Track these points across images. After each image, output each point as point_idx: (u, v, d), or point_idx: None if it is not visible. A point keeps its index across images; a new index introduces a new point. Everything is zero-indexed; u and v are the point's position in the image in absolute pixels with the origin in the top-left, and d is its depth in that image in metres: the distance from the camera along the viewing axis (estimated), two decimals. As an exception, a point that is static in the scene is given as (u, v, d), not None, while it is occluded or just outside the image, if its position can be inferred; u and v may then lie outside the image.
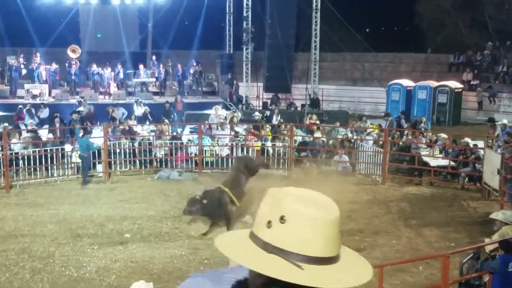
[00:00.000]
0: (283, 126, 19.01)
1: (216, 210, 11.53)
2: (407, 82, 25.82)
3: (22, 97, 23.11)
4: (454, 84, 25.39)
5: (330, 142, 18.23)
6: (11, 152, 15.37)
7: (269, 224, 1.48)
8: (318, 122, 20.32)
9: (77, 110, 20.11)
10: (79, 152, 15.66)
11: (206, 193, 11.58)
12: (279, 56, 25.07)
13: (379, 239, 10.88)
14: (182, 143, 17.52)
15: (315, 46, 26.21)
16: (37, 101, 22.11)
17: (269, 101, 25.96)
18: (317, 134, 18.17)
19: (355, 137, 18.16)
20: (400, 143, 17.32)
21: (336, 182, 15.02)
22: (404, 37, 33.62)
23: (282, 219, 1.46)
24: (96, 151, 16.21)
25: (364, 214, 12.30)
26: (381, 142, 16.63)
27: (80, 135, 16.14)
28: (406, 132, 18.24)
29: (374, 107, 27.11)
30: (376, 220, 11.96)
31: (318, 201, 1.52)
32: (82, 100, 21.88)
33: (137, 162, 17.04)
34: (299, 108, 25.02)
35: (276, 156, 17.27)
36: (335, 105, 27.17)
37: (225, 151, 17.50)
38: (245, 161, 12.39)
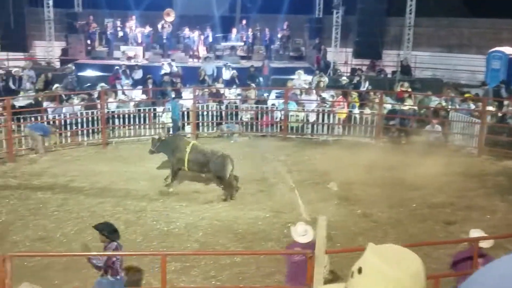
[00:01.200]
0: (372, 93, 18.48)
1: (170, 154, 12.16)
2: (509, 50, 24.07)
3: (118, 59, 23.99)
4: None
5: (422, 111, 17.56)
6: (107, 110, 16.09)
7: (352, 274, 1.61)
8: (409, 90, 19.58)
9: (167, 72, 20.63)
10: (170, 114, 16.14)
11: (173, 136, 12.85)
12: (371, 20, 24.28)
13: (471, 213, 10.45)
14: (267, 108, 17.57)
15: (410, 10, 25.10)
16: (132, 62, 22.87)
17: (358, 67, 25.29)
18: (408, 102, 17.54)
19: (450, 107, 17.32)
20: (499, 114, 16.36)
21: (427, 153, 14.50)
22: (507, 1, 31.32)
23: (360, 270, 1.58)
24: (186, 113, 16.64)
25: (457, 187, 11.83)
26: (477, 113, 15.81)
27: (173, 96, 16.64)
28: (506, 102, 17.16)
29: (471, 75, 25.62)
30: (470, 194, 11.47)
31: (398, 257, 1.60)
32: (171, 61, 22.40)
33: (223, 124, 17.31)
34: (389, 75, 24.26)
35: (363, 123, 16.92)
36: (428, 73, 26.01)
37: (312, 117, 17.38)
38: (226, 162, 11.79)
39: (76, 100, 16.74)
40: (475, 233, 6.37)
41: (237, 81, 20.99)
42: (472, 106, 16.91)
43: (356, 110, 17.51)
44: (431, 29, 27.49)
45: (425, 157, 13.33)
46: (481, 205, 10.80)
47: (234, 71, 21.80)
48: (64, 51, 25.43)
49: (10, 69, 22.26)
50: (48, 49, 25.34)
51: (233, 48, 25.72)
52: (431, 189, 11.87)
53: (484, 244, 6.13)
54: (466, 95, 18.49)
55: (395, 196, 11.77)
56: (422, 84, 21.56)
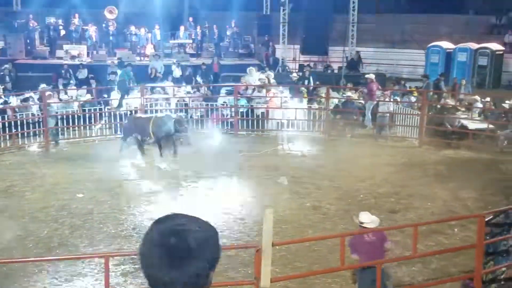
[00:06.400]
0: (320, 89, 18.76)
1: None
2: (446, 44, 25.16)
3: (61, 58, 23.42)
4: (496, 46, 24.63)
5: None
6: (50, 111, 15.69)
7: None
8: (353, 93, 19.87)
9: (114, 71, 20.30)
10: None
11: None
12: (317, 17, 24.60)
13: (414, 202, 10.78)
14: (216, 105, 17.60)
15: (353, 7, 25.60)
16: (76, 62, 22.37)
17: (307, 64, 25.57)
18: (353, 96, 17.96)
19: (392, 100, 17.86)
20: (438, 106, 16.98)
21: (372, 145, 14.85)
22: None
23: None
24: (133, 112, 16.47)
25: (400, 176, 12.18)
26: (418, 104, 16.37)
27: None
28: (444, 94, 17.85)
29: (412, 70, 26.46)
30: (412, 183, 11.82)
31: None
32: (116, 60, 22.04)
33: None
34: (336, 71, 24.69)
35: (311, 118, 17.18)
36: (372, 68, 26.60)
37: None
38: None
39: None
40: (363, 215, 7.29)
41: (193, 78, 20.87)
42: (413, 99, 17.55)
43: (304, 105, 17.76)
44: (374, 25, 28.14)
45: (370, 149, 13.66)
46: (422, 193, 11.14)
47: (190, 68, 21.69)
48: (3, 51, 24.57)
49: None
50: (-14, 49, 24.43)
51: (181, 45, 25.56)
52: (377, 179, 12.17)
53: (369, 225, 7.10)
54: (412, 88, 19.11)
55: (343, 188, 12.01)
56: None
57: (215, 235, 1.84)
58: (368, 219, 7.16)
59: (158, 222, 1.83)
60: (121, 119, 16.45)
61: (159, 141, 13.58)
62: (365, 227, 7.10)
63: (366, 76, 16.72)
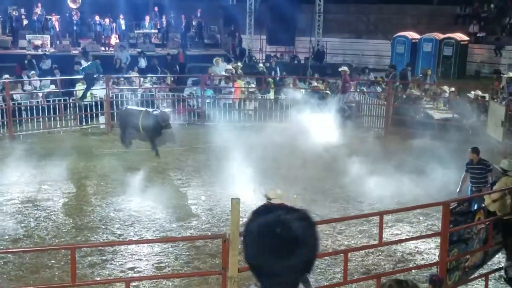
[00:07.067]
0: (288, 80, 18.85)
1: None
2: (412, 35, 25.45)
3: (24, 48, 22.88)
4: (460, 36, 25.04)
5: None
6: (13, 102, 15.35)
7: None
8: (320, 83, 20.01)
9: (79, 61, 19.90)
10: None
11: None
12: (283, 7, 24.61)
13: (380, 191, 10.92)
14: (183, 96, 17.49)
15: (320, -3, 25.72)
16: (39, 52, 21.88)
17: (274, 54, 25.59)
18: (319, 86, 18.11)
19: (358, 90, 18.07)
20: (404, 96, 17.25)
21: (337, 135, 14.94)
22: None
23: None
24: (99, 103, 16.25)
25: (365, 166, 12.28)
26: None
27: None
28: (410, 85, 18.14)
29: (378, 60, 26.76)
30: (377, 172, 11.94)
31: None
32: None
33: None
34: (302, 61, 24.78)
35: (279, 108, 17.23)
36: (338, 58, 26.81)
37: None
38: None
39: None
40: (271, 191, 7.67)
41: (158, 68, 20.64)
42: (380, 89, 17.79)
43: (271, 95, 17.82)
44: (340, 15, 28.32)
45: (335, 139, 13.87)
46: (388, 183, 11.20)
47: (155, 59, 21.45)
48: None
49: None
50: None
51: (146, 35, 25.26)
52: (342, 169, 12.20)
53: (276, 200, 7.34)
54: (378, 79, 19.35)
55: (310, 179, 12.03)
56: (333, 69, 22.17)
57: (314, 223, 1.90)
58: (275, 195, 7.46)
59: (259, 213, 1.87)
60: (86, 110, 16.23)
61: (150, 135, 13.30)
62: (272, 203, 7.27)
63: (340, 69, 16.84)
